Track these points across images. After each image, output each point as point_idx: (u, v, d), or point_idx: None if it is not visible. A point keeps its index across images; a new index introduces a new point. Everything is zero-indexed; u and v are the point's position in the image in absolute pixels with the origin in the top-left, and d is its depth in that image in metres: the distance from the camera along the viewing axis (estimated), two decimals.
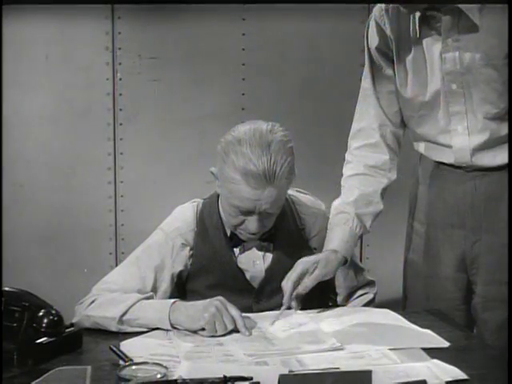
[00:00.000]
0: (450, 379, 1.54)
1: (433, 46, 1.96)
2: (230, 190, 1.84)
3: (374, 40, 2.04)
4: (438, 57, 1.96)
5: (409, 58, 2.01)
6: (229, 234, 1.98)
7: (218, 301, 1.77)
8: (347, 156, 2.16)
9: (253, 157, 1.78)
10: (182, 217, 2.02)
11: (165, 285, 1.96)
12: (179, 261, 1.98)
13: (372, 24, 2.04)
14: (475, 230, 2.05)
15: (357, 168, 2.11)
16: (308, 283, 1.89)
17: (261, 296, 1.99)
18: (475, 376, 1.56)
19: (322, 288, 2.13)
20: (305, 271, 1.90)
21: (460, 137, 2.01)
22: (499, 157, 2.00)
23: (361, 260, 3.02)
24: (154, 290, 1.94)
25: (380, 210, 2.10)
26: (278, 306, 1.98)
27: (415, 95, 2.03)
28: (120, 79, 2.90)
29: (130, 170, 2.96)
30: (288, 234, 2.01)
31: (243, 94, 2.95)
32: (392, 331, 1.82)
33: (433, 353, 1.68)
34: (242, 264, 1.99)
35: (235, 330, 1.76)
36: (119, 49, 2.88)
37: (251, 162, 1.78)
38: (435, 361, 1.62)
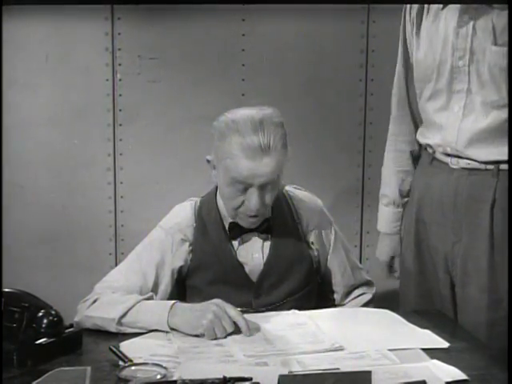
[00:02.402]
0: (449, 379, 1.54)
1: (451, 19, 1.99)
2: (228, 166, 1.86)
3: (407, 17, 2.13)
4: (452, 30, 1.98)
5: (427, 29, 2.05)
6: (227, 227, 1.99)
7: (215, 305, 1.76)
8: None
9: (247, 132, 1.84)
10: (181, 213, 2.04)
11: (166, 281, 1.97)
12: (179, 256, 1.99)
13: (406, 8, 2.14)
14: (456, 230, 2.05)
15: (390, 145, 2.29)
16: None
17: (260, 291, 2.00)
18: (475, 376, 1.56)
19: (321, 288, 2.14)
20: None
21: (454, 115, 2.02)
22: (486, 152, 1.98)
23: (360, 260, 3.02)
24: (156, 286, 1.95)
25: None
26: (277, 301, 2.00)
27: (426, 67, 2.05)
28: (120, 80, 2.90)
29: (130, 170, 2.96)
30: (285, 228, 2.03)
31: (243, 95, 2.95)
32: (392, 331, 1.82)
33: (433, 353, 1.68)
34: (241, 257, 2.00)
35: (236, 331, 1.76)
36: (119, 49, 2.88)
37: (246, 135, 1.84)
38: (435, 361, 1.63)
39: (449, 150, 2.04)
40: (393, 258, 2.29)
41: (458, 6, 1.96)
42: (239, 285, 1.98)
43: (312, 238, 2.08)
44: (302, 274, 2.04)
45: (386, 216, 2.29)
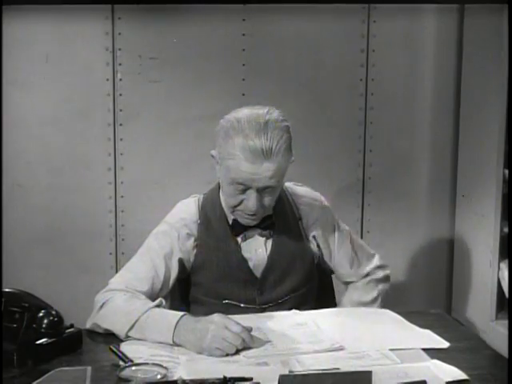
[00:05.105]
0: (450, 379, 1.54)
1: None
2: (229, 166, 1.86)
3: None
4: None
5: None
6: (231, 223, 1.99)
7: (214, 324, 1.71)
8: None
9: (251, 134, 1.83)
10: (185, 209, 2.05)
11: (174, 272, 1.98)
12: (185, 250, 2.00)
13: None
14: None
15: None
16: None
17: (264, 287, 2.00)
18: (475, 376, 1.56)
19: (322, 288, 2.14)
20: None
21: None
22: None
23: None
24: (167, 277, 1.96)
25: None
26: (280, 298, 2.00)
27: None
28: (120, 80, 2.90)
29: (130, 170, 2.96)
30: (286, 223, 2.04)
31: (243, 95, 2.95)
32: (392, 331, 1.82)
33: (433, 353, 1.68)
34: (245, 252, 2.00)
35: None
36: (119, 49, 2.88)
37: (249, 138, 1.82)
38: (435, 361, 1.63)
39: None
40: None
41: None
42: (243, 281, 1.99)
43: (314, 232, 2.07)
44: (304, 270, 2.05)
45: None
